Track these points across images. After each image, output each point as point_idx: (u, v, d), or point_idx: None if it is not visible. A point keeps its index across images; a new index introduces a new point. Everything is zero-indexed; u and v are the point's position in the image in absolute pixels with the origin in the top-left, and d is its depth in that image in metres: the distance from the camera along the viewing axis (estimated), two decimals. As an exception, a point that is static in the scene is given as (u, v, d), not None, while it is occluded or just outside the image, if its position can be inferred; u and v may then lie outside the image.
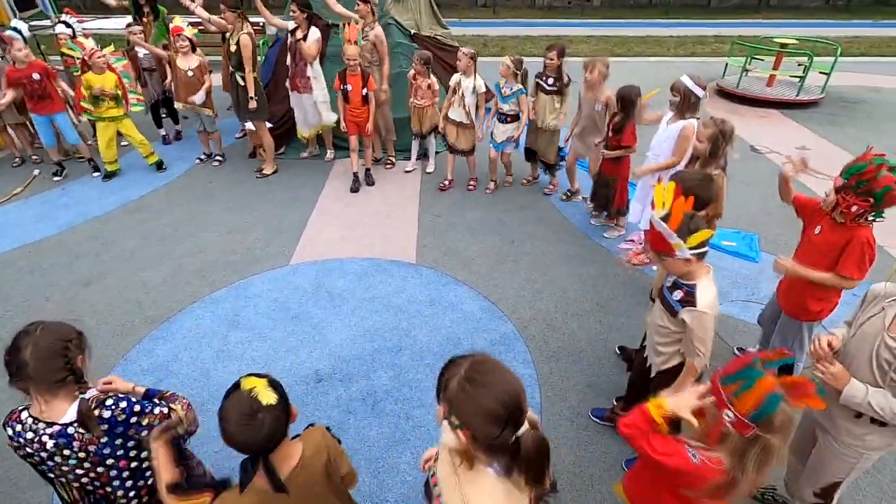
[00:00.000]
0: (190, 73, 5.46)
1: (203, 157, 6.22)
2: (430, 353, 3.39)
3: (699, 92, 3.51)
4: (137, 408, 1.58)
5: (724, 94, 8.85)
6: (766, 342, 3.04)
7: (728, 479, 1.35)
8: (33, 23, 8.94)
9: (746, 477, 1.33)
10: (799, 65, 8.62)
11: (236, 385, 1.36)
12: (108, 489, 1.64)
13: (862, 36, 14.78)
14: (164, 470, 1.55)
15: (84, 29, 6.13)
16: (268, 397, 1.32)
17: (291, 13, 5.12)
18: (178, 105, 5.84)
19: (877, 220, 2.32)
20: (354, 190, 5.55)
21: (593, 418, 2.92)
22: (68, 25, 5.88)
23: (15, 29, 5.53)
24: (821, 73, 8.38)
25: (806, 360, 2.79)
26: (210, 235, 4.73)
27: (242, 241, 4.63)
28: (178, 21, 5.41)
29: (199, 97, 5.51)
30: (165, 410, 1.63)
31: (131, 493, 1.68)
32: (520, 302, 3.86)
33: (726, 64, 9.33)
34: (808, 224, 2.66)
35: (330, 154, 6.32)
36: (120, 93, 5.29)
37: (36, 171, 5.86)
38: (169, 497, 1.49)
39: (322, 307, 3.80)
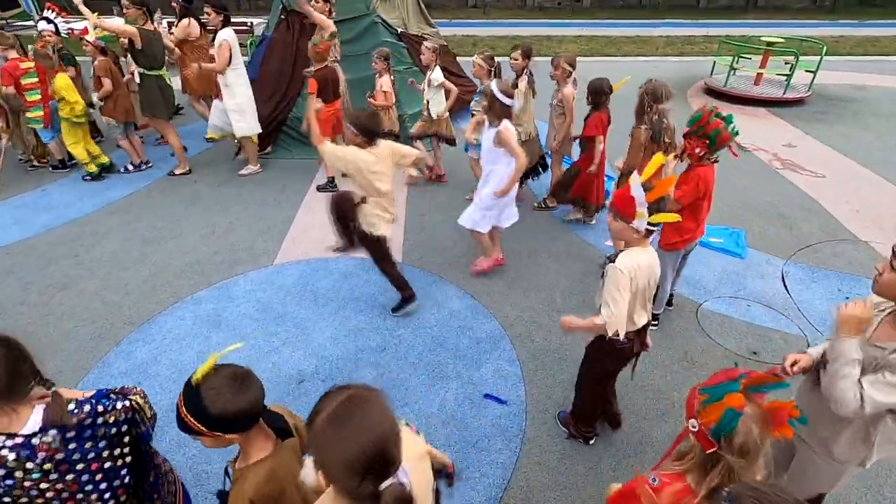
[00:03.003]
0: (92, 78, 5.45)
1: (130, 166, 5.93)
2: (414, 351, 3.34)
3: (506, 100, 3.45)
4: (100, 408, 1.51)
5: (712, 92, 8.90)
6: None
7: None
8: (16, 23, 8.81)
9: (701, 495, 1.25)
10: (786, 63, 8.69)
11: (191, 380, 1.33)
12: (80, 495, 1.55)
13: (847, 35, 14.95)
14: None
15: (70, 29, 6.01)
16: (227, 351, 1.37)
17: (207, 14, 4.96)
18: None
19: (714, 159, 2.97)
20: (320, 188, 5.56)
21: (558, 421, 2.87)
22: (50, 21, 5.77)
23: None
24: (807, 71, 8.45)
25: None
26: (193, 236, 4.65)
27: (226, 242, 4.56)
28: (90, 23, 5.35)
29: (94, 99, 5.53)
30: (128, 404, 1.58)
31: (107, 495, 1.60)
32: (506, 300, 3.82)
33: (714, 63, 9.39)
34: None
35: (251, 168, 5.88)
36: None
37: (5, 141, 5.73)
38: None
39: (306, 307, 3.75)
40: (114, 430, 1.54)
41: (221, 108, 5.39)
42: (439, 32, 7.49)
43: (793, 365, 1.81)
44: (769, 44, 8.75)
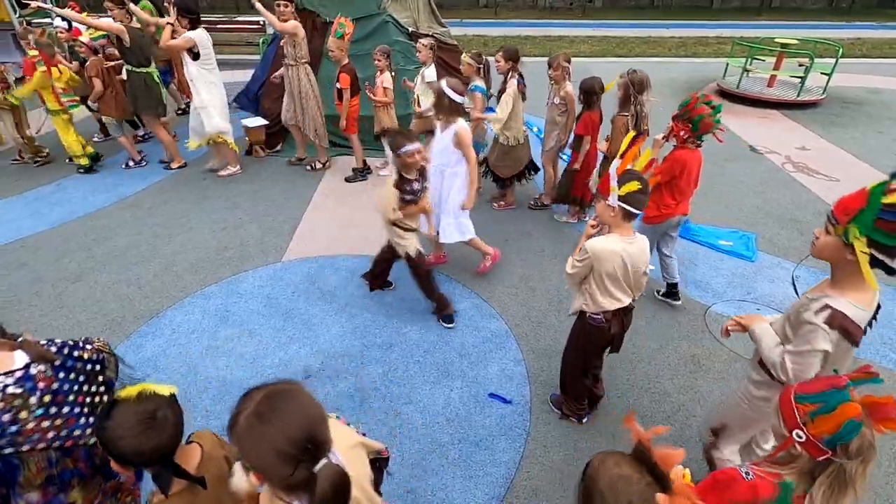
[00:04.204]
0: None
1: (131, 162, 6.03)
2: (420, 350, 3.35)
3: (456, 98, 3.44)
4: (68, 347, 1.59)
5: (725, 94, 8.81)
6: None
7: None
8: (35, 20, 8.96)
9: (813, 501, 1.24)
10: (800, 65, 8.58)
11: (115, 400, 1.27)
12: (77, 433, 1.58)
13: (864, 38, 14.74)
14: None
15: (61, 29, 6.09)
16: (166, 388, 1.26)
17: (179, 19, 4.94)
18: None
19: (698, 144, 3.15)
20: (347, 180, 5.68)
21: (550, 403, 2.94)
22: (65, 20, 5.86)
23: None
24: (822, 73, 8.34)
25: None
26: (203, 232, 4.70)
27: (235, 238, 4.60)
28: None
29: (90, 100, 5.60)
30: (94, 346, 1.63)
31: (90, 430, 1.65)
32: (512, 300, 3.82)
33: (727, 64, 9.30)
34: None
35: (231, 169, 5.79)
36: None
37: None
38: None
39: (313, 304, 3.77)
40: (88, 367, 1.60)
41: (193, 108, 5.42)
42: (450, 32, 7.50)
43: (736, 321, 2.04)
44: (783, 45, 8.65)
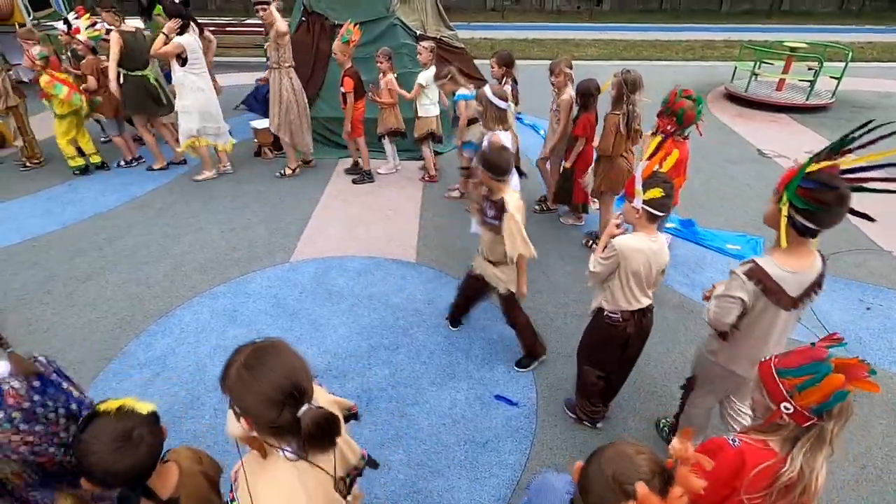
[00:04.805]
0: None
1: (122, 162, 6.11)
2: (426, 351, 3.36)
3: (501, 104, 3.45)
4: (72, 390, 1.49)
5: (733, 97, 8.78)
6: None
7: (789, 472, 1.35)
8: (48, 23, 9.09)
9: (795, 463, 1.34)
10: (809, 69, 8.54)
11: (95, 412, 1.24)
12: (52, 449, 1.47)
13: (875, 41, 14.62)
14: None
15: (61, 30, 6.15)
16: (144, 406, 1.23)
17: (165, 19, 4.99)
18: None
19: (685, 136, 3.35)
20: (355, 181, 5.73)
21: (565, 408, 2.93)
22: (66, 22, 5.91)
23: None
24: (831, 77, 8.29)
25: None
26: (213, 232, 4.75)
27: (244, 239, 4.64)
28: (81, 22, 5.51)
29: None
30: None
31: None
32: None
33: (735, 68, 9.26)
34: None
35: (206, 174, 5.75)
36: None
37: None
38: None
39: (320, 304, 3.79)
40: (62, 412, 1.46)
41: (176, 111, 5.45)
42: (457, 35, 7.53)
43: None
44: (792, 49, 8.61)
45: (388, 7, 6.20)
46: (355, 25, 4.99)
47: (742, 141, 6.99)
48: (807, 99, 8.23)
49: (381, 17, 6.19)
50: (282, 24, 5.07)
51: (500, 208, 2.66)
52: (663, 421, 2.81)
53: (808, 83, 8.26)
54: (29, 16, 9.06)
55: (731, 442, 1.45)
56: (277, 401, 1.12)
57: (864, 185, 1.75)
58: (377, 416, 2.88)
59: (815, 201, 1.70)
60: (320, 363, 3.26)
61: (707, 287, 2.31)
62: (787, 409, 1.35)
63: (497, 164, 2.64)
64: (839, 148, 1.75)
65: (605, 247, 2.30)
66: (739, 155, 6.42)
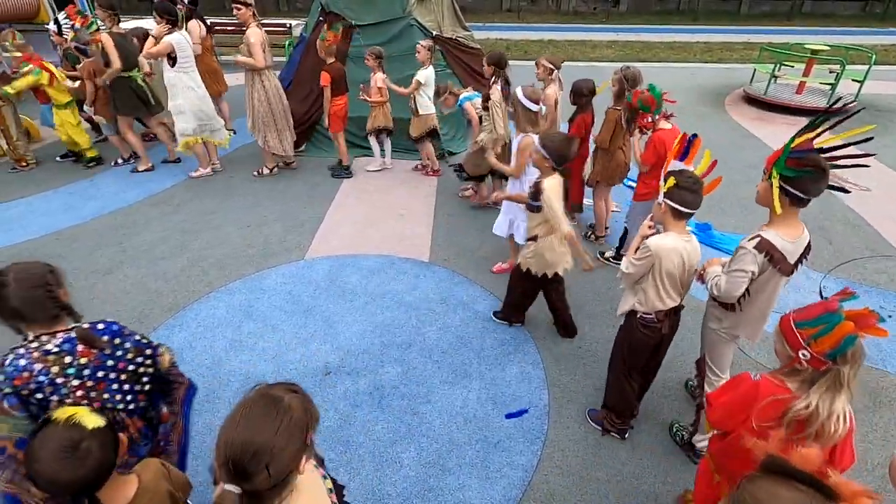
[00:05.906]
0: (77, 83, 5.66)
1: (120, 160, 6.18)
2: (438, 350, 3.38)
3: (533, 106, 3.42)
4: (138, 337, 1.77)
5: (752, 100, 8.66)
6: None
7: (801, 407, 1.48)
8: (69, 23, 9.30)
9: (810, 400, 1.47)
10: (831, 72, 8.38)
11: (47, 419, 1.20)
12: (106, 395, 1.64)
13: (899, 44, 14.29)
14: None
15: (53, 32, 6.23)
16: (93, 420, 1.20)
17: (156, 21, 5.00)
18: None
19: (669, 115, 3.55)
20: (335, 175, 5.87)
21: (589, 419, 2.88)
22: (56, 22, 5.98)
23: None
24: (853, 80, 8.13)
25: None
26: (229, 229, 4.81)
27: (260, 235, 4.70)
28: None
29: (85, 104, 5.78)
30: (165, 357, 1.82)
31: (129, 398, 1.72)
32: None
33: (754, 70, 9.13)
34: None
35: (201, 171, 5.83)
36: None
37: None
38: None
39: (334, 301, 3.83)
40: (131, 367, 1.72)
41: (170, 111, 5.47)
42: (473, 35, 7.53)
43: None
44: (814, 51, 8.46)
45: (404, 7, 6.22)
46: (333, 32, 5.12)
47: (760, 144, 6.89)
48: (828, 103, 8.08)
49: (397, 18, 6.22)
50: (252, 31, 5.06)
51: (538, 190, 2.89)
52: (677, 425, 2.78)
53: (830, 86, 8.11)
54: (54, 14, 9.26)
55: (752, 376, 1.66)
56: (220, 460, 1.05)
57: (836, 161, 1.99)
58: (389, 414, 2.90)
59: (804, 166, 1.93)
60: (333, 359, 3.29)
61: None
62: (804, 355, 1.50)
63: (563, 155, 2.84)
64: (811, 128, 2.00)
65: (638, 248, 2.30)
66: (758, 158, 6.32)
